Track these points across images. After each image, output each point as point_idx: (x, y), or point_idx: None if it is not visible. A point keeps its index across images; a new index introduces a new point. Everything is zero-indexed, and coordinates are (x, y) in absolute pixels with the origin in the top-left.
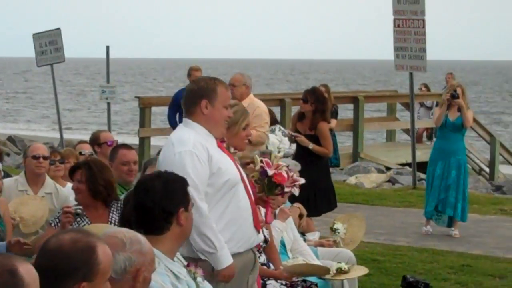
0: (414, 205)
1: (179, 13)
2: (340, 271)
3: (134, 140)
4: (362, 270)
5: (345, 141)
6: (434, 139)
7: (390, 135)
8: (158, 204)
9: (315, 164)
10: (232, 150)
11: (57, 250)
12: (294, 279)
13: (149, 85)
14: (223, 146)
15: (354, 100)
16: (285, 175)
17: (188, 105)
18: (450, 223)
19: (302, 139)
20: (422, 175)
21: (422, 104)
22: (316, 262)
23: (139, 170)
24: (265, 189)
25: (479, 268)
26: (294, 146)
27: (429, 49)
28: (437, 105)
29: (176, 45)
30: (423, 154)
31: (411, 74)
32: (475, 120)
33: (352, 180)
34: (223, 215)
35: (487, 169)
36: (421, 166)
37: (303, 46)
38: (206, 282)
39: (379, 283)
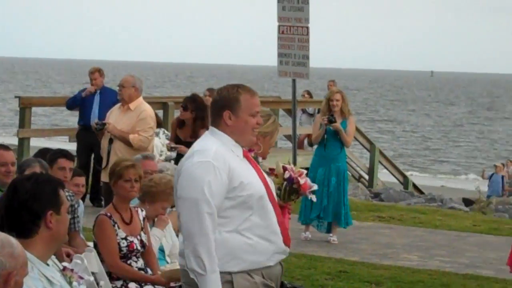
0: (293, 211)
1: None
2: None
3: (13, 141)
4: None
5: None
6: (315, 146)
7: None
8: (25, 205)
9: None
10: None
11: None
12: (172, 284)
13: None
14: (250, 156)
15: None
16: (308, 183)
17: (213, 115)
18: (329, 229)
19: (182, 149)
20: None
21: (304, 111)
22: None
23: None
24: (285, 195)
25: (355, 275)
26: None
27: (312, 57)
28: (319, 111)
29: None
30: (304, 160)
31: (294, 81)
32: (356, 128)
33: None
34: (248, 228)
35: (367, 176)
36: None
37: (187, 49)
38: (82, 287)
39: None
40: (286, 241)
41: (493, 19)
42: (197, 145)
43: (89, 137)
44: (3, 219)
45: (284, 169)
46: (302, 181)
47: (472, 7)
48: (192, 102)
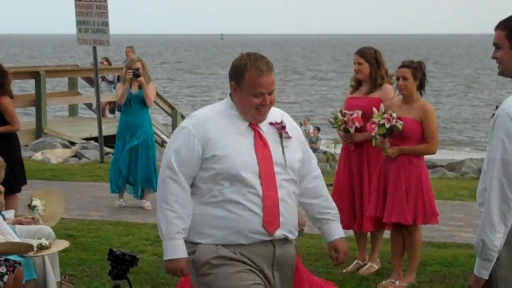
0: (103, 179)
1: None
2: (41, 247)
3: None
4: (63, 244)
5: (27, 118)
6: (117, 113)
7: (73, 110)
8: None
9: (4, 139)
10: None
11: None
12: None
13: None
14: (261, 133)
15: (35, 75)
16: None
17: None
18: (142, 195)
19: None
20: (108, 149)
21: (104, 78)
22: (17, 240)
23: None
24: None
25: None
26: None
27: (111, 23)
28: (118, 79)
29: None
30: (108, 128)
31: (94, 48)
32: (156, 93)
33: (38, 156)
34: (219, 202)
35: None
36: (106, 140)
37: None
38: None
39: (77, 259)
40: (267, 225)
41: None
42: (196, 111)
43: None
44: None
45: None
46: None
47: None
48: None
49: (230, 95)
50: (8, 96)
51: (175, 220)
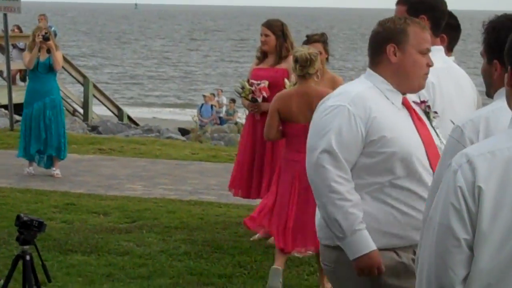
0: (13, 147)
1: None
2: None
3: None
4: None
5: None
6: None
7: None
8: None
9: None
10: None
11: None
12: None
13: None
14: (416, 110)
15: None
16: None
17: (372, 52)
18: (50, 164)
19: None
20: (18, 117)
21: (15, 46)
22: None
23: None
24: None
25: (83, 206)
26: None
27: None
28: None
29: None
30: (18, 96)
31: (5, 15)
32: (67, 61)
33: None
34: (392, 194)
35: (81, 110)
36: (16, 108)
37: None
38: None
39: None
40: None
41: None
42: (340, 87)
43: None
44: None
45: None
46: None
47: None
48: None
49: (372, 68)
50: None
51: (352, 209)
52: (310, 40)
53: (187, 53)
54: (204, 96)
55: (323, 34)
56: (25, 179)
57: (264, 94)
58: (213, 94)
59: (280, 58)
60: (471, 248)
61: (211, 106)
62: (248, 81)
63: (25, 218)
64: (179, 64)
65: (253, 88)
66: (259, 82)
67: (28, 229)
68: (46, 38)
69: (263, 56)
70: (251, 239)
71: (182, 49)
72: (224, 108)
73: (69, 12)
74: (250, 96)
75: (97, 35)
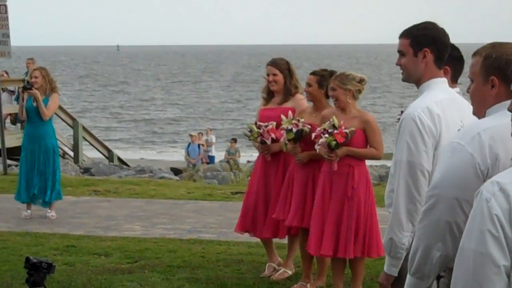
0: (7, 191)
1: None
2: None
3: None
4: None
5: None
6: (19, 124)
7: None
8: None
9: None
10: None
11: None
12: None
13: None
14: None
15: None
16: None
17: None
18: (47, 203)
19: None
20: (10, 161)
21: (4, 89)
22: None
23: None
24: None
25: (83, 248)
26: None
27: (14, 35)
28: (19, 91)
29: None
30: (9, 140)
31: None
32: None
33: None
34: None
35: (71, 153)
36: (9, 152)
37: None
38: None
39: None
40: None
41: None
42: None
43: None
44: None
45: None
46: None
47: None
48: None
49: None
50: None
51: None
52: (310, 72)
53: (172, 92)
54: (190, 135)
55: (325, 70)
56: (23, 222)
57: (273, 135)
58: (201, 133)
59: (287, 96)
60: (509, 275)
61: (198, 145)
62: (255, 123)
63: (34, 260)
64: (166, 104)
65: (261, 131)
66: (266, 124)
67: (37, 271)
68: (25, 88)
69: (269, 96)
70: (261, 275)
71: (168, 88)
72: (213, 147)
73: (59, 56)
74: (259, 139)
75: (84, 78)
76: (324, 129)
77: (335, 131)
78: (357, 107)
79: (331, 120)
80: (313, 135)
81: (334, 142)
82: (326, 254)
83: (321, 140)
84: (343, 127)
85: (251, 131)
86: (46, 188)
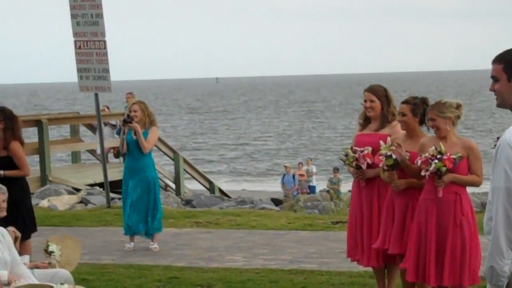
0: (111, 224)
1: None
2: None
3: None
4: None
5: (32, 165)
6: (121, 158)
7: (76, 157)
8: None
9: (16, 185)
10: None
11: None
12: None
13: None
14: None
15: (38, 123)
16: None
17: None
18: (149, 236)
19: None
20: (113, 194)
21: (106, 124)
22: (37, 283)
23: None
24: None
25: (186, 279)
26: None
27: (112, 70)
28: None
29: None
30: (112, 173)
31: (96, 95)
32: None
33: (44, 203)
34: None
35: (173, 185)
36: (112, 186)
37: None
38: None
39: None
40: None
41: None
42: None
43: None
44: None
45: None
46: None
47: None
48: (0, 113)
49: None
50: (18, 141)
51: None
52: (402, 101)
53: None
54: (285, 166)
55: (416, 97)
56: (127, 255)
57: (368, 160)
58: (301, 163)
59: (384, 123)
60: None
61: (293, 175)
62: (351, 148)
63: None
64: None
65: (356, 155)
66: (362, 149)
67: None
68: (125, 121)
69: (366, 122)
70: None
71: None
72: (314, 177)
73: (155, 89)
74: (354, 164)
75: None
76: (433, 155)
77: (444, 157)
78: (456, 133)
79: (436, 147)
80: (419, 161)
81: (444, 168)
82: (431, 283)
83: (432, 167)
84: (449, 154)
85: (346, 155)
86: (147, 220)
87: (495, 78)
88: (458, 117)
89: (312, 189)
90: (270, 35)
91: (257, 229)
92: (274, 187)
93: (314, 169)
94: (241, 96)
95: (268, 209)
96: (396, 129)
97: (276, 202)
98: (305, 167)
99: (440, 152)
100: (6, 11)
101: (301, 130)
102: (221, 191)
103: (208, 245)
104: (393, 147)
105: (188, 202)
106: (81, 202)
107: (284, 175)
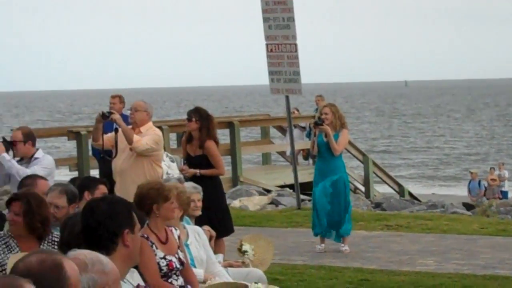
0: (301, 225)
1: None
2: None
3: None
4: None
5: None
6: (310, 160)
7: (266, 158)
8: (103, 224)
9: (211, 184)
10: None
11: (26, 274)
12: None
13: None
14: None
15: (230, 125)
16: None
17: None
18: (339, 238)
19: (189, 172)
20: (303, 196)
21: (295, 126)
22: (232, 281)
23: None
24: None
25: (377, 282)
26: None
27: (303, 72)
28: (310, 127)
29: None
30: (301, 175)
31: (287, 97)
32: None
33: (236, 203)
34: None
35: (362, 188)
36: (302, 187)
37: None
38: None
39: None
40: None
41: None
42: None
43: (107, 167)
44: (71, 241)
45: None
46: None
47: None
48: (196, 113)
49: None
50: (213, 140)
51: None
52: None
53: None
54: (471, 172)
55: None
56: (318, 256)
57: None
58: (493, 168)
59: None
60: None
61: (479, 182)
62: None
63: None
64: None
65: None
66: None
67: None
68: (316, 123)
69: None
70: None
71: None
72: (506, 183)
73: (341, 92)
74: None
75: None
76: None
77: None
78: None
79: None
80: None
81: None
82: None
83: None
84: None
85: None
86: (338, 222)
87: None
88: None
89: (504, 194)
90: (472, 38)
91: (448, 233)
92: (465, 191)
93: (506, 174)
94: (429, 99)
95: (460, 214)
96: None
97: (468, 206)
98: (497, 172)
99: None
100: (189, 16)
101: (492, 135)
102: (411, 194)
103: (399, 248)
104: None
105: (378, 205)
106: (271, 203)
107: (470, 181)
